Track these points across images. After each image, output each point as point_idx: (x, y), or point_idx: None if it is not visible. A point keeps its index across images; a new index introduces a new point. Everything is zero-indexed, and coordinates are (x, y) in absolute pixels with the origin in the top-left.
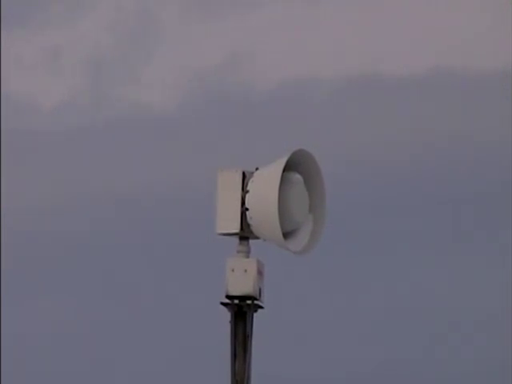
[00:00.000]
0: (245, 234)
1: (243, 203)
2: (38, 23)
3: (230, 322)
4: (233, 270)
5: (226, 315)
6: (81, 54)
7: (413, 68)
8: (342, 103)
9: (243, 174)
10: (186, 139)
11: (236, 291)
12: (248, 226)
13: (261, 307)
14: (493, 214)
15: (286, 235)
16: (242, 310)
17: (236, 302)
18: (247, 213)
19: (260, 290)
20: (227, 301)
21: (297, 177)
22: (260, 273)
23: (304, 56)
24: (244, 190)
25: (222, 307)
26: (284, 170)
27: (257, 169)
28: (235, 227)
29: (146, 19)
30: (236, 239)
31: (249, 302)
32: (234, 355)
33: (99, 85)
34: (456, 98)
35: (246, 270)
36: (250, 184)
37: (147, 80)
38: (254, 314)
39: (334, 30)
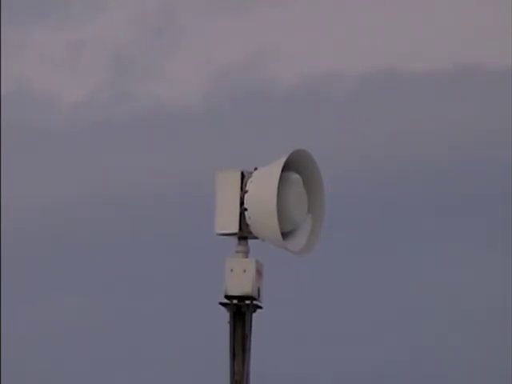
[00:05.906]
0: (244, 234)
1: (242, 203)
2: (61, 19)
3: (229, 322)
4: (232, 270)
5: (224, 315)
6: (104, 49)
7: (435, 65)
8: (363, 100)
9: (242, 174)
10: (194, 138)
11: (235, 291)
12: (247, 226)
13: (260, 307)
14: None
15: (285, 235)
16: (240, 310)
17: (235, 302)
18: (246, 213)
19: (259, 290)
20: (226, 301)
21: (296, 177)
22: (259, 273)
23: (327, 53)
24: (243, 190)
25: (220, 307)
26: (283, 170)
27: (256, 169)
28: (234, 227)
29: (169, 14)
30: (235, 239)
31: (248, 302)
32: (233, 355)
33: (122, 80)
34: (479, 95)
35: (244, 270)
36: (248, 184)
37: (170, 76)
38: (253, 314)
39: (357, 27)
